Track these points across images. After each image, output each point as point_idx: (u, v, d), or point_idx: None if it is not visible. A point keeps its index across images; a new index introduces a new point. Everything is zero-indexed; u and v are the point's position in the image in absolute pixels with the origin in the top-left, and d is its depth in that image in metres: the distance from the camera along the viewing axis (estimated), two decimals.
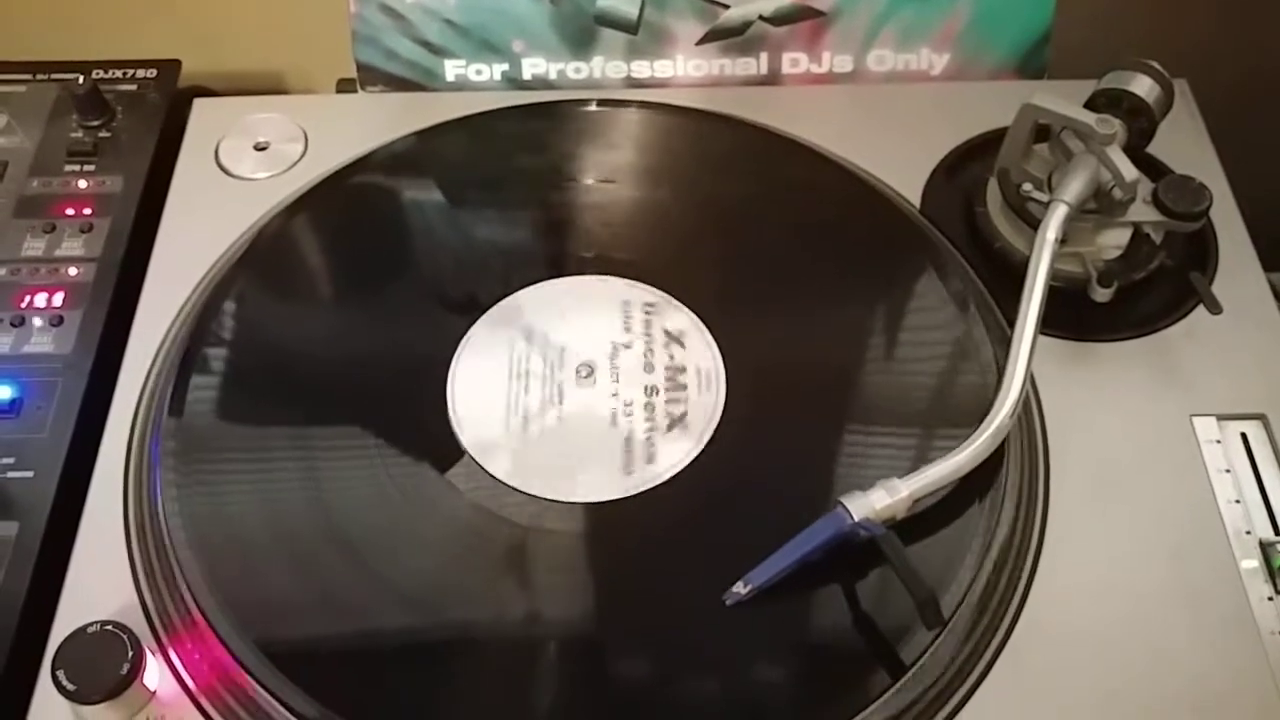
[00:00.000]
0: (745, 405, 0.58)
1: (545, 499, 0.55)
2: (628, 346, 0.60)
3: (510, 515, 0.54)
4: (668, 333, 0.61)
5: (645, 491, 0.55)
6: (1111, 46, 0.66)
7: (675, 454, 0.56)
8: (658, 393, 0.58)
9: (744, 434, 0.57)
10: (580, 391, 0.59)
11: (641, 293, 0.62)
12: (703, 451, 0.56)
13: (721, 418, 0.57)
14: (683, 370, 0.59)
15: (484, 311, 0.62)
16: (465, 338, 0.61)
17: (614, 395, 0.58)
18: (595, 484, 0.55)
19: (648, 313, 0.62)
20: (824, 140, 0.69)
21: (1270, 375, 0.60)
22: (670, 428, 0.57)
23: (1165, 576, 0.53)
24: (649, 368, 0.59)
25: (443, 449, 0.56)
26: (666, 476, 0.55)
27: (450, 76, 0.74)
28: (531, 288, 0.63)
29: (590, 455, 0.56)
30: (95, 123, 0.71)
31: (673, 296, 0.62)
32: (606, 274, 0.63)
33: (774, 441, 0.57)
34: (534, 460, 0.56)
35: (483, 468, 0.56)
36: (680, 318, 0.61)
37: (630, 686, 0.50)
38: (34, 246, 0.65)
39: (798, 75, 0.75)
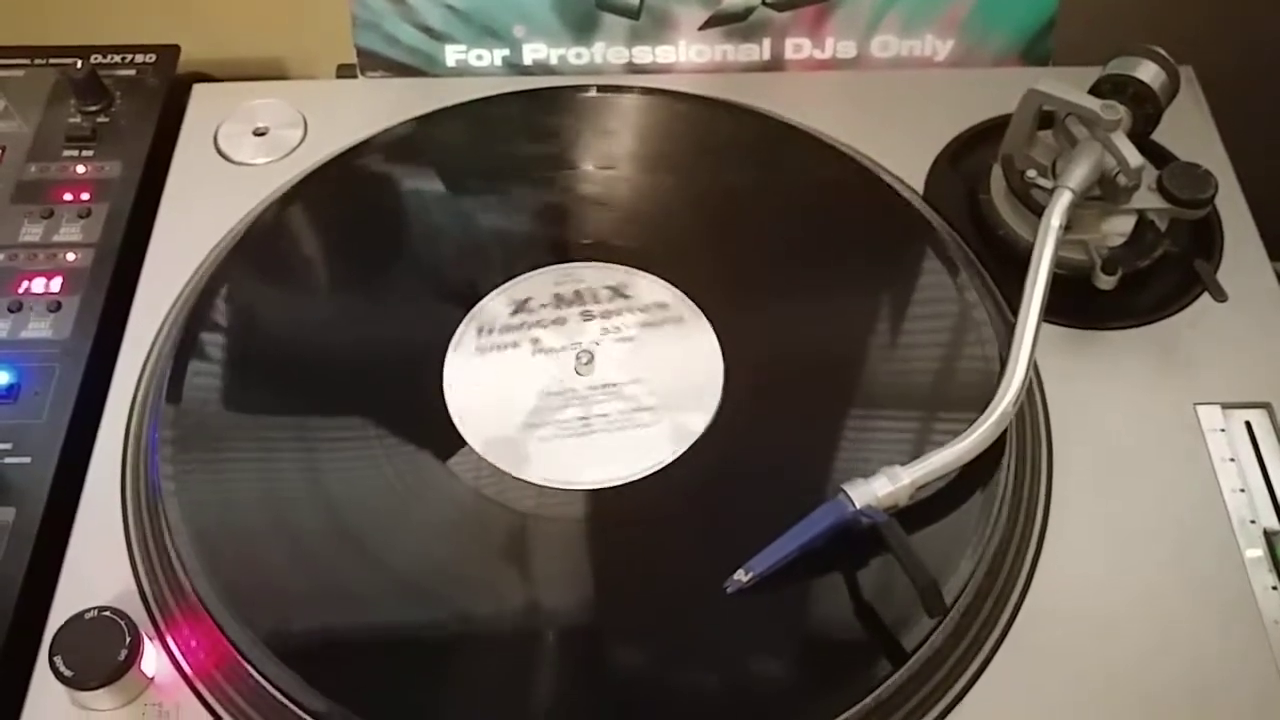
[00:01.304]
0: (746, 393, 0.57)
1: (544, 486, 0.54)
2: (626, 334, 0.60)
3: (508, 502, 0.54)
4: (668, 320, 0.60)
5: (646, 479, 0.55)
6: (1117, 32, 0.66)
7: (675, 441, 0.56)
8: (657, 379, 0.58)
9: (745, 421, 0.57)
10: (579, 378, 0.58)
11: (641, 279, 0.62)
12: (703, 439, 0.56)
13: (721, 405, 0.57)
14: (683, 358, 0.59)
15: (483, 298, 0.61)
16: (463, 324, 0.60)
17: (613, 382, 0.58)
18: (595, 471, 0.55)
19: (647, 299, 0.61)
20: (827, 127, 0.69)
21: (1275, 364, 0.59)
22: (670, 415, 0.57)
23: (1168, 566, 0.53)
24: (648, 355, 0.59)
25: (441, 436, 0.56)
26: (666, 464, 0.55)
27: (451, 62, 0.74)
28: (530, 274, 0.62)
29: (589, 443, 0.56)
30: (94, 108, 0.71)
31: (673, 284, 0.62)
32: (607, 261, 0.63)
33: (775, 429, 0.57)
34: (533, 448, 0.56)
35: (481, 455, 0.55)
36: (680, 305, 0.61)
37: (632, 674, 0.50)
38: (32, 232, 0.65)
39: (801, 61, 0.74)
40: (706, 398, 0.57)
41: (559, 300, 0.61)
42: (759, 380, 0.58)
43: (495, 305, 0.61)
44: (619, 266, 0.62)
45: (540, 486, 0.54)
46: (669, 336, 0.60)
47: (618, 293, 0.61)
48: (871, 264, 0.63)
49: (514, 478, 0.55)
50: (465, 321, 0.60)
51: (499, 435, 0.56)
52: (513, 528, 0.53)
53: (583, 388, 0.58)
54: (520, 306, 0.61)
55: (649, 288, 0.62)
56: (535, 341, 0.60)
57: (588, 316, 0.61)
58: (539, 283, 0.62)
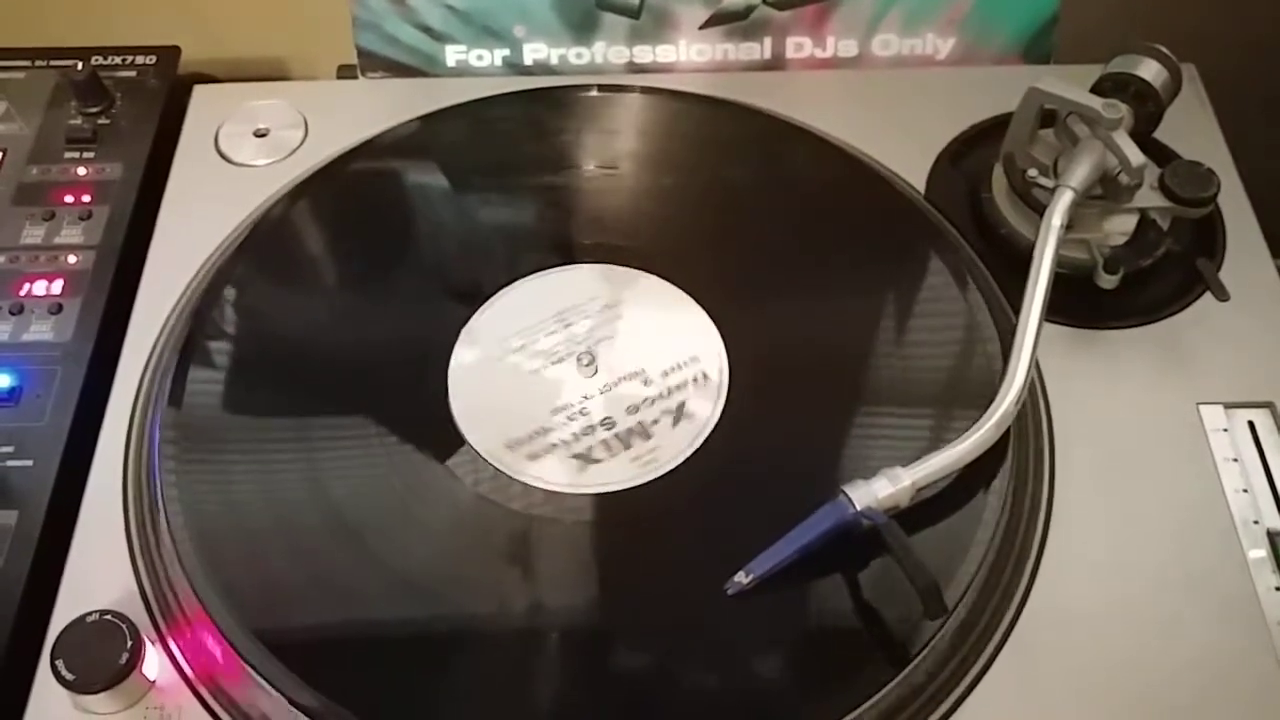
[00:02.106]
0: (748, 394, 0.57)
1: (545, 489, 0.54)
2: (629, 335, 0.60)
3: (510, 504, 0.54)
4: (670, 321, 0.60)
5: (647, 481, 0.54)
6: (1119, 30, 0.66)
7: (677, 443, 0.56)
8: (659, 382, 0.58)
9: (747, 423, 0.56)
10: (581, 381, 0.58)
11: (643, 280, 0.62)
12: (705, 441, 0.56)
13: (724, 406, 0.57)
14: (685, 359, 0.59)
15: (485, 299, 0.61)
16: (466, 325, 0.60)
17: (615, 384, 0.58)
18: (595, 474, 0.55)
19: (649, 300, 0.61)
20: (828, 126, 0.69)
21: (1278, 363, 0.59)
22: (672, 417, 0.57)
23: (1171, 566, 0.53)
24: (650, 357, 0.59)
25: (443, 438, 0.56)
26: (669, 466, 0.55)
27: (451, 62, 0.74)
28: (532, 276, 0.62)
29: (591, 445, 0.56)
30: (94, 109, 0.71)
31: (674, 284, 0.62)
32: (608, 261, 0.63)
33: (777, 430, 0.57)
34: (534, 449, 0.56)
35: (482, 456, 0.55)
36: (682, 305, 0.61)
37: (633, 676, 0.50)
38: (33, 234, 0.65)
39: (802, 60, 0.74)
40: (708, 398, 0.57)
41: (560, 304, 0.61)
42: (761, 380, 0.58)
43: (496, 306, 0.61)
44: (621, 268, 0.62)
45: (541, 489, 0.54)
46: (664, 313, 0.60)
47: (619, 290, 0.61)
48: (873, 264, 0.63)
49: (514, 479, 0.55)
50: (466, 322, 0.60)
51: (501, 437, 0.56)
52: (514, 530, 0.53)
53: (585, 389, 0.58)
54: (524, 310, 0.61)
55: (652, 287, 0.61)
56: (537, 343, 0.60)
57: (586, 315, 0.60)
58: (540, 286, 0.62)
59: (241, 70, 0.79)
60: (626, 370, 0.59)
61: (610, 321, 0.60)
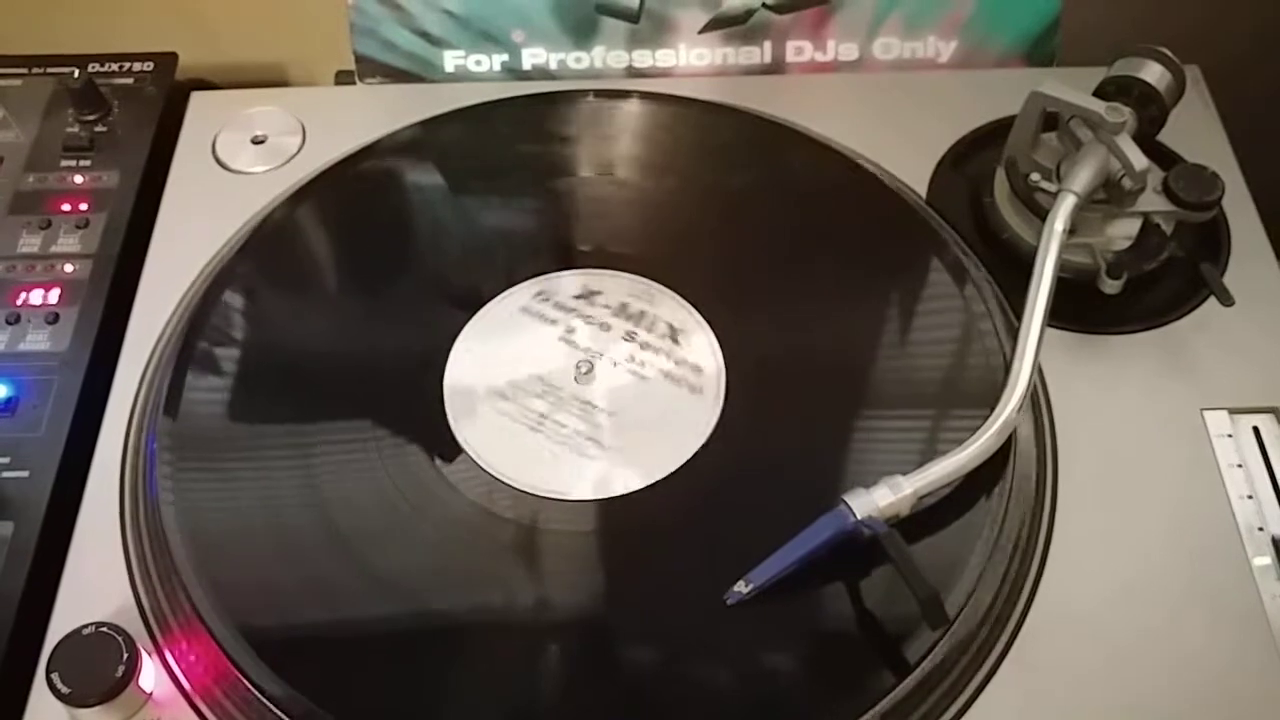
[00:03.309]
0: (746, 401, 0.57)
1: (542, 496, 0.54)
2: (627, 341, 0.59)
3: (508, 512, 0.54)
4: (668, 327, 0.60)
5: (644, 489, 0.54)
6: (1121, 33, 0.65)
7: (675, 451, 0.55)
8: (657, 388, 0.58)
9: (745, 430, 0.56)
10: (579, 387, 0.58)
11: (642, 286, 0.62)
12: (703, 448, 0.55)
13: (722, 413, 0.57)
14: (682, 365, 0.58)
15: (482, 305, 0.61)
16: (463, 331, 0.60)
17: (612, 391, 0.58)
18: (593, 481, 0.54)
19: (648, 306, 0.61)
20: (829, 130, 0.68)
21: None
22: (670, 424, 0.56)
23: (1175, 573, 0.53)
24: (648, 363, 0.59)
25: (440, 445, 0.56)
26: (666, 474, 0.55)
27: (449, 67, 0.74)
28: (530, 281, 0.62)
29: (587, 452, 0.56)
30: (91, 117, 0.70)
31: (673, 290, 0.61)
32: (606, 267, 0.62)
33: (776, 438, 0.56)
34: (532, 456, 0.55)
35: (480, 464, 0.55)
36: (681, 311, 0.61)
37: (630, 686, 0.50)
38: (29, 243, 0.65)
39: (802, 64, 0.74)
40: (706, 405, 0.57)
41: (623, 310, 0.61)
42: (760, 387, 0.58)
43: (568, 282, 0.61)
44: (620, 274, 0.62)
45: (539, 496, 0.54)
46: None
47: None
48: (874, 269, 0.62)
49: (510, 486, 0.54)
50: (463, 328, 0.60)
51: (499, 444, 0.56)
52: (512, 538, 0.53)
53: (583, 396, 0.57)
54: (590, 295, 0.61)
55: (651, 293, 0.61)
56: (570, 330, 0.60)
57: (630, 338, 0.60)
58: (616, 284, 0.62)
59: (239, 77, 0.79)
60: (624, 377, 0.58)
61: (608, 328, 0.60)
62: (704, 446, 0.55)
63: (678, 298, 0.61)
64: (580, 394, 0.58)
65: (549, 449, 0.56)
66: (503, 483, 0.54)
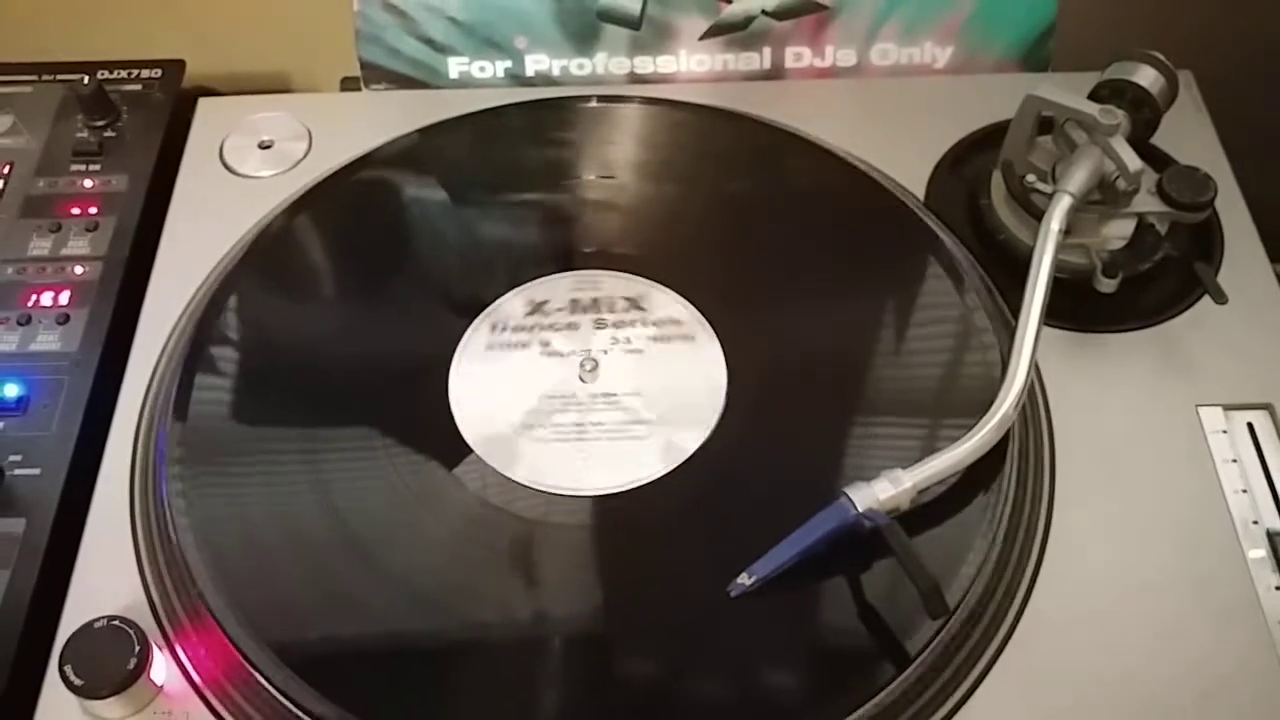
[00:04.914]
0: (748, 398, 0.58)
1: (549, 493, 0.55)
2: (630, 341, 0.60)
3: (515, 510, 0.54)
4: (671, 327, 0.61)
5: (649, 484, 0.55)
6: (1115, 38, 0.66)
7: (679, 447, 0.56)
8: (660, 387, 0.58)
9: (747, 427, 0.57)
10: (591, 385, 0.59)
11: (644, 288, 0.62)
12: (706, 445, 0.56)
13: (724, 411, 0.57)
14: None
15: (487, 307, 0.62)
16: (468, 334, 0.61)
17: (617, 390, 0.58)
18: (599, 478, 0.55)
19: (651, 308, 0.62)
20: (828, 134, 0.69)
21: (1276, 365, 0.59)
22: (673, 421, 0.57)
23: (1172, 567, 0.53)
24: (652, 362, 0.59)
25: (447, 445, 0.56)
26: (670, 470, 0.55)
27: (454, 74, 0.75)
28: (534, 283, 0.63)
29: (593, 449, 0.56)
30: (100, 123, 0.71)
31: (676, 291, 0.62)
32: (609, 269, 0.63)
33: (777, 434, 0.57)
34: (538, 455, 0.56)
35: (487, 463, 0.56)
36: (683, 313, 0.61)
37: (637, 679, 0.50)
38: (40, 246, 0.66)
39: (801, 70, 0.75)
40: (709, 403, 0.57)
41: (575, 305, 0.62)
42: (761, 385, 0.58)
43: (512, 304, 0.62)
44: (637, 277, 0.63)
45: (546, 493, 0.55)
46: (677, 353, 0.60)
47: (634, 304, 0.62)
48: (873, 270, 0.63)
49: (519, 484, 0.55)
50: (469, 330, 0.61)
51: (505, 443, 0.56)
52: (519, 535, 0.54)
53: (584, 394, 0.58)
54: (536, 307, 0.61)
55: (664, 301, 0.62)
56: (545, 344, 0.60)
57: (600, 325, 0.61)
58: (557, 286, 0.62)
59: (245, 83, 0.80)
60: (628, 376, 0.59)
61: (611, 329, 0.61)
62: (707, 443, 0.56)
63: (680, 298, 0.62)
64: (597, 390, 0.58)
65: (605, 449, 0.56)
66: (509, 479, 0.55)
